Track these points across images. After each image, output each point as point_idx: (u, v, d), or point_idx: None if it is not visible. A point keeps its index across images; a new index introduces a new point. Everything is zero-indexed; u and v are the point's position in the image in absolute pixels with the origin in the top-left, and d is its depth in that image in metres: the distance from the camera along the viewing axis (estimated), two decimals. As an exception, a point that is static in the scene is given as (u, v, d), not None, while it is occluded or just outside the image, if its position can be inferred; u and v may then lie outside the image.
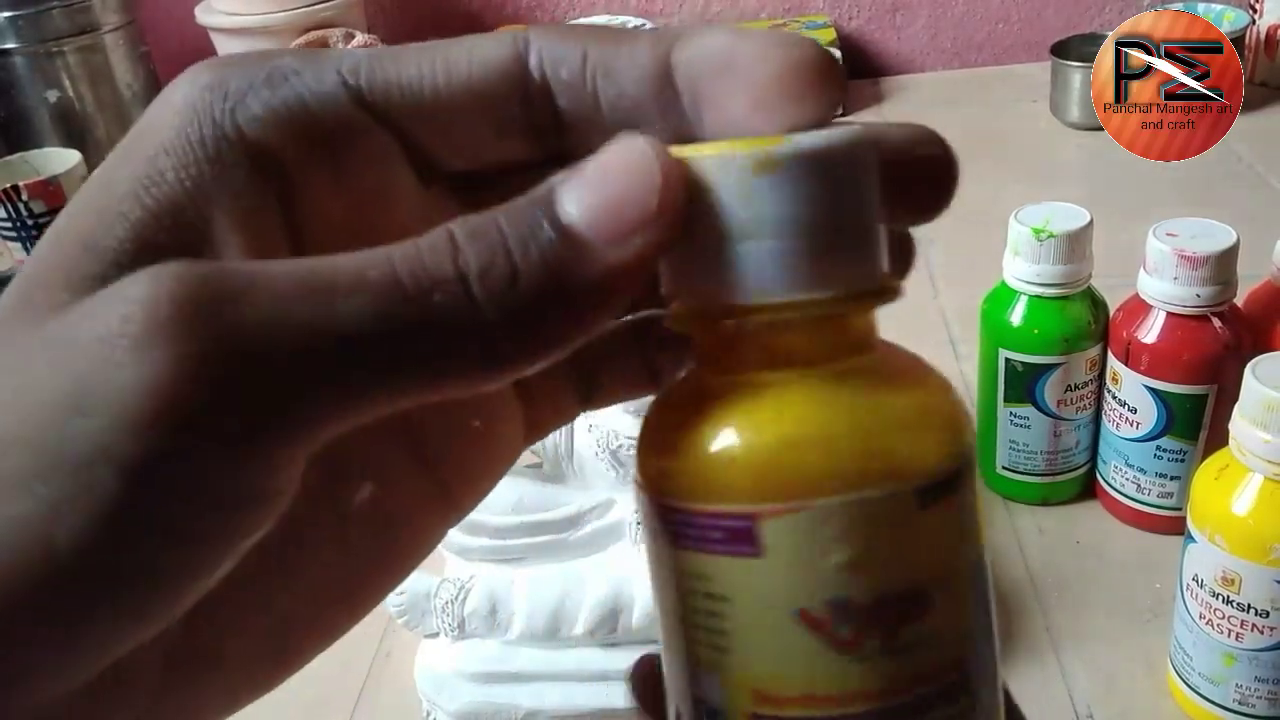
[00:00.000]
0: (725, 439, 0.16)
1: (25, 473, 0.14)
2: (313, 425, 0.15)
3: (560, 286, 0.15)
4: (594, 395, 0.22)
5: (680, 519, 0.17)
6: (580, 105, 0.17)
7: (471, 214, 0.16)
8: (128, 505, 0.14)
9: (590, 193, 0.15)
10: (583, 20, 0.49)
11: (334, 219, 0.17)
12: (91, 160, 1.03)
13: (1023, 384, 0.56)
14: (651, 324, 0.21)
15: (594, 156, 0.16)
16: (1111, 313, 0.55)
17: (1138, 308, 0.53)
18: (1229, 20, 1.00)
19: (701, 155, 0.16)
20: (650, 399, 0.19)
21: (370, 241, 0.16)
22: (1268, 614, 0.42)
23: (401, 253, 0.15)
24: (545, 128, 0.18)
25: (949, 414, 0.17)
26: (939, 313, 0.78)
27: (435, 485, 0.21)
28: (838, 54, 1.11)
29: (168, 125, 0.17)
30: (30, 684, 0.14)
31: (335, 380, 0.14)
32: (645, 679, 0.19)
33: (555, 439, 0.53)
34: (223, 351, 0.14)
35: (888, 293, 0.17)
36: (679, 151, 0.16)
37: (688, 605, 0.17)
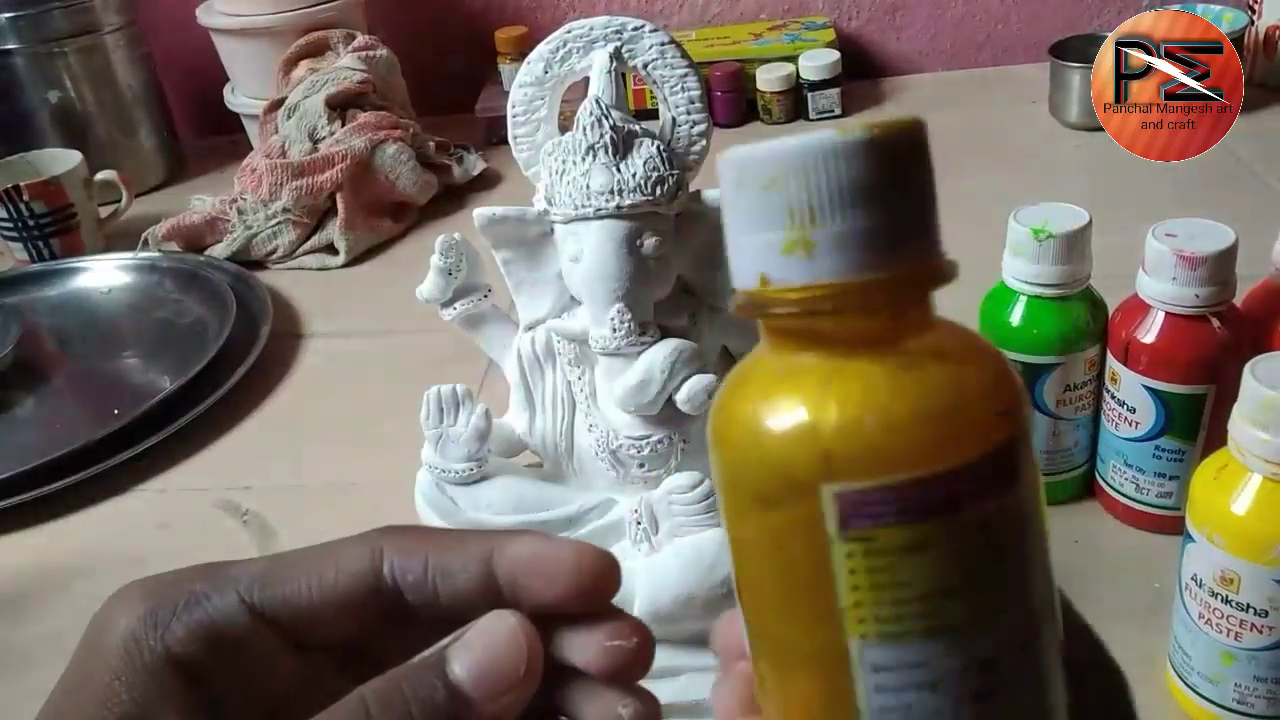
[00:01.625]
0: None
1: None
2: None
3: None
4: None
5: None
6: (424, 598, 0.24)
7: (377, 679, 0.22)
8: None
9: (473, 658, 0.22)
10: (583, 21, 0.49)
11: (232, 698, 0.23)
12: (92, 160, 1.03)
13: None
14: None
15: (474, 626, 0.22)
16: (1110, 313, 0.55)
17: (1136, 308, 0.53)
18: (1228, 21, 1.00)
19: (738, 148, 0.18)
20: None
21: (257, 708, 0.23)
22: (1266, 613, 0.42)
23: None
24: (397, 614, 0.24)
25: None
26: (939, 312, 0.78)
27: None
28: (836, 55, 1.11)
29: (113, 654, 0.22)
30: None
31: None
32: None
33: (555, 438, 0.53)
34: None
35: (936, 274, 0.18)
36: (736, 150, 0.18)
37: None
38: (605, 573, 0.23)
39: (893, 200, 0.17)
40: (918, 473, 0.17)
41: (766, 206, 0.17)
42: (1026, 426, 0.18)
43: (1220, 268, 0.50)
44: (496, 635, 0.22)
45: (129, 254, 0.98)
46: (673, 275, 0.49)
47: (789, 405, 0.17)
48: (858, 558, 0.17)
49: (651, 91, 0.50)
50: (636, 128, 0.48)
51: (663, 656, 0.49)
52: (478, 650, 0.22)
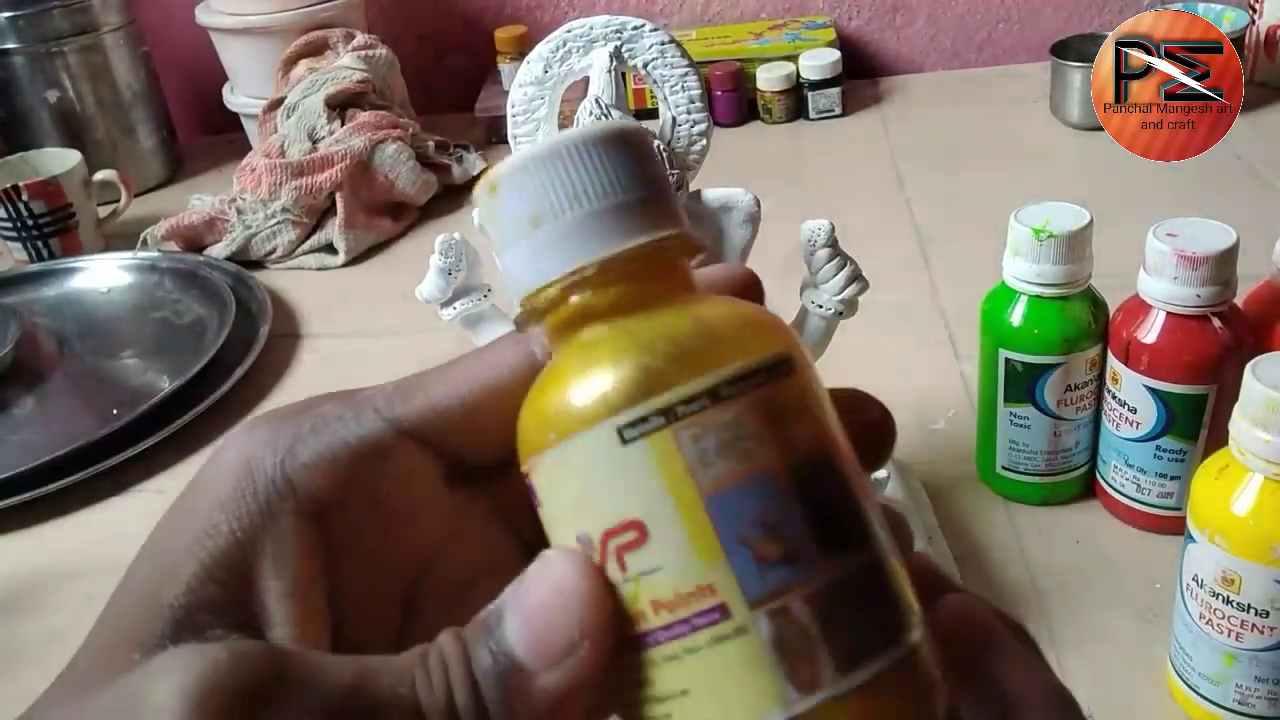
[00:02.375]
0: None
1: None
2: None
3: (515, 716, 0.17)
4: None
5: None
6: None
7: (443, 634, 0.18)
8: None
9: (524, 615, 0.17)
10: (583, 20, 0.49)
11: (367, 543, 0.19)
12: (91, 160, 1.03)
13: (1023, 384, 0.56)
14: None
15: (529, 572, 0.18)
16: (1111, 313, 0.55)
17: (1137, 308, 0.53)
18: (1229, 20, 1.00)
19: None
20: None
21: (396, 559, 0.19)
22: (1268, 614, 0.42)
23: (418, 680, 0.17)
24: None
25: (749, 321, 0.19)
26: (939, 313, 0.78)
27: None
28: (837, 54, 1.11)
29: (225, 480, 0.19)
30: None
31: None
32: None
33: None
34: None
35: (654, 254, 0.19)
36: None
37: None
38: (748, 280, 0.21)
39: (623, 183, 0.19)
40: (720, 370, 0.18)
41: (514, 218, 0.19)
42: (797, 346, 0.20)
43: (1221, 268, 0.50)
44: (544, 588, 0.17)
45: (128, 254, 0.98)
46: (673, 275, 0.49)
47: (593, 368, 0.18)
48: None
49: (651, 91, 0.50)
50: (636, 127, 0.48)
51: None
52: (530, 603, 0.17)
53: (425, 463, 0.20)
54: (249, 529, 0.18)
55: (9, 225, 1.00)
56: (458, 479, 0.20)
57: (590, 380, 0.18)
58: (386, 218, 1.01)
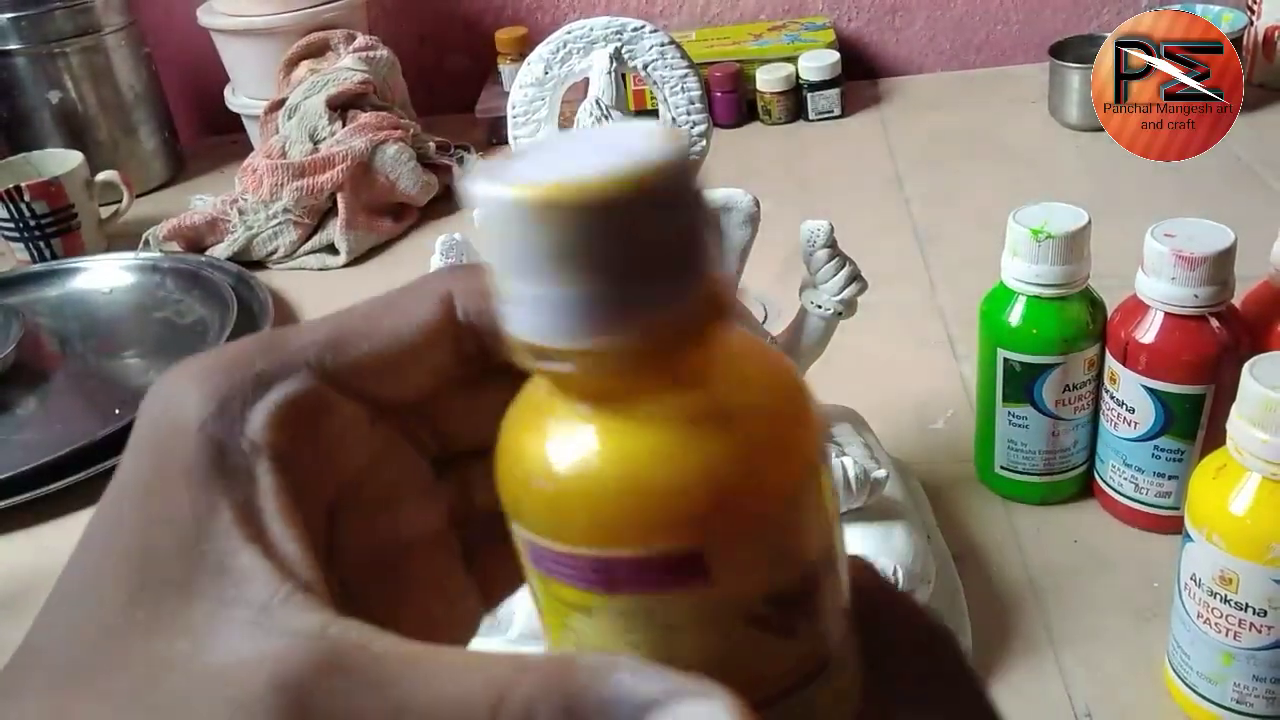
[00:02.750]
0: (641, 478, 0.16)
1: None
2: None
3: None
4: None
5: (609, 563, 0.17)
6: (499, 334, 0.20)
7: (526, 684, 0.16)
8: None
9: None
10: (583, 21, 0.50)
11: (307, 480, 0.21)
12: (93, 160, 1.04)
13: (1021, 384, 0.56)
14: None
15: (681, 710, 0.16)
16: (1110, 313, 0.55)
17: (1136, 308, 0.53)
18: (1227, 21, 1.00)
19: (491, 189, 0.16)
20: None
21: (327, 487, 0.21)
22: (1265, 613, 0.42)
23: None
24: (472, 355, 0.22)
25: (798, 418, 0.17)
26: (938, 313, 0.78)
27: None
28: (836, 55, 1.11)
29: (187, 450, 0.19)
30: None
31: None
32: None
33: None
34: None
35: (693, 330, 0.16)
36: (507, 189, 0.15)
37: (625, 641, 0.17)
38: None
39: (657, 257, 0.16)
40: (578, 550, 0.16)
41: (528, 255, 0.16)
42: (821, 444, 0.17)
43: (1219, 268, 0.50)
44: None
45: (130, 254, 0.98)
46: (673, 275, 0.49)
47: (528, 442, 0.17)
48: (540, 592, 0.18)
49: (651, 92, 0.50)
50: (636, 128, 0.48)
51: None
52: None
53: (352, 408, 0.21)
54: (210, 497, 0.19)
55: (11, 226, 1.00)
56: (375, 414, 0.22)
57: (577, 498, 0.17)
58: (388, 218, 1.02)
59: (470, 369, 0.22)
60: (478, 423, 0.21)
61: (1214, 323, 0.51)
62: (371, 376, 0.21)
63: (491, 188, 0.15)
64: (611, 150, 0.15)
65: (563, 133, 0.17)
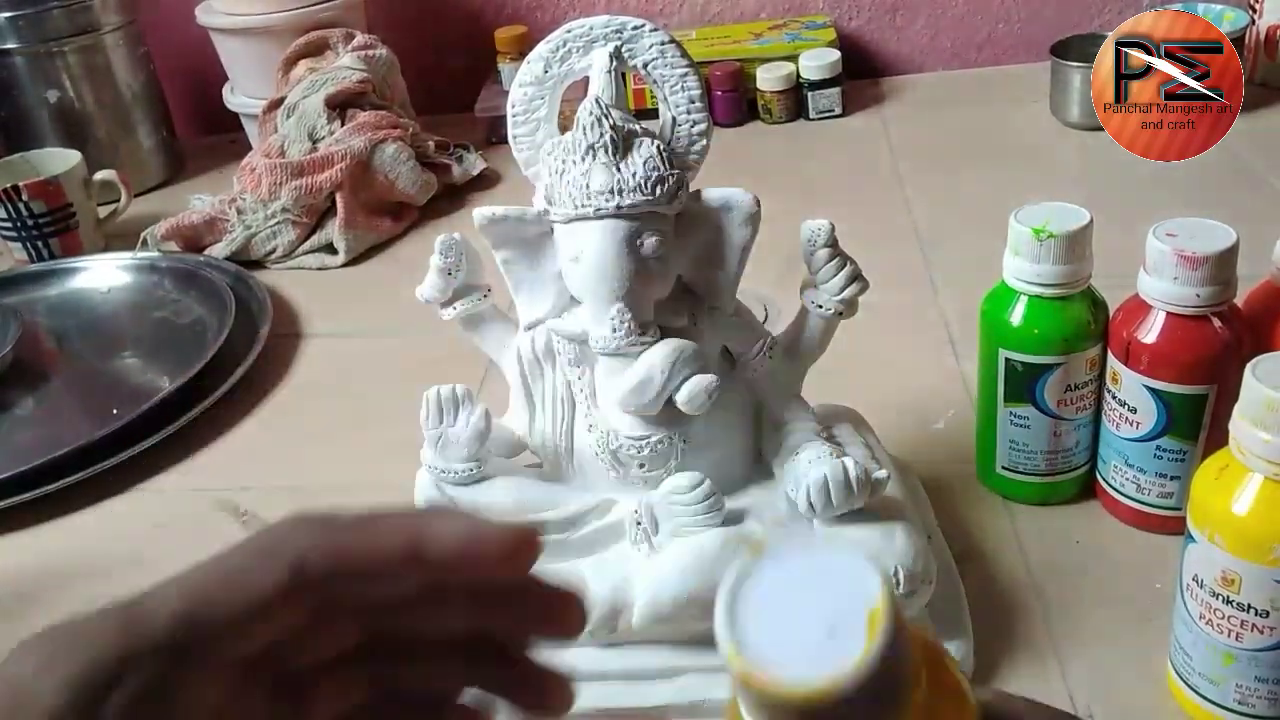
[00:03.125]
0: None
1: None
2: None
3: None
4: None
5: None
6: (349, 591, 0.25)
7: None
8: None
9: None
10: (583, 20, 0.49)
11: None
12: (91, 160, 1.03)
13: (1023, 384, 0.56)
14: None
15: None
16: (1111, 313, 0.55)
17: (1137, 308, 0.53)
18: (1229, 20, 1.00)
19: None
20: None
21: None
22: (1267, 614, 0.42)
23: None
24: (319, 607, 0.24)
25: None
26: (939, 313, 0.78)
27: None
28: (837, 54, 1.11)
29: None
30: None
31: None
32: None
33: (555, 439, 0.53)
34: None
35: None
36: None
37: None
38: (528, 540, 0.26)
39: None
40: None
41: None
42: None
43: (1221, 267, 0.50)
44: None
45: (128, 254, 0.98)
46: (673, 275, 0.49)
47: None
48: None
49: (651, 91, 0.50)
50: (636, 127, 0.48)
51: (663, 657, 0.49)
52: None
53: (206, 670, 0.23)
54: None
55: (9, 225, 1.00)
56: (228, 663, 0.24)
57: None
58: (387, 218, 1.01)
59: (318, 617, 0.25)
60: (321, 650, 0.25)
61: (1216, 322, 0.51)
62: (226, 641, 0.23)
63: (751, 671, 0.18)
64: (833, 609, 0.18)
65: (770, 560, 0.20)
